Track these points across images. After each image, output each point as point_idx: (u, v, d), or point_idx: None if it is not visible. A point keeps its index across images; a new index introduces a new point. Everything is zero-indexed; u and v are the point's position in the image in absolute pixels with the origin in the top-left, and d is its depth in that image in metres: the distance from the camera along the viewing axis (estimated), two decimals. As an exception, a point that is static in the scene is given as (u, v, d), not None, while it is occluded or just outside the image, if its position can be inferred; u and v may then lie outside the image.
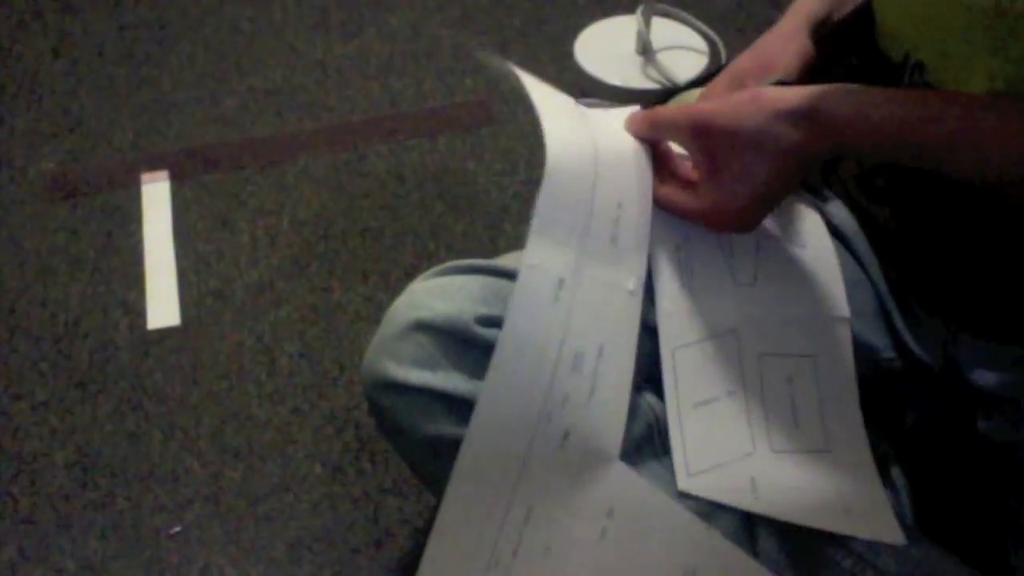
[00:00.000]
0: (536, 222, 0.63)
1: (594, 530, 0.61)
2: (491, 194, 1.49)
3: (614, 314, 0.64)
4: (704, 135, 0.63)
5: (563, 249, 0.63)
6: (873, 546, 0.66)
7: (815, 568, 0.66)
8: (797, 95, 0.61)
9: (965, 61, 0.63)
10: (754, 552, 0.66)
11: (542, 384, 0.61)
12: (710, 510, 0.64)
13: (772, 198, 0.64)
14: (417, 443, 0.70)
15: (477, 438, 0.62)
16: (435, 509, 1.16)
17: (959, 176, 0.62)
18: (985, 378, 0.70)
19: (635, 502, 0.62)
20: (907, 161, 0.62)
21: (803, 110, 0.60)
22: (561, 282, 0.63)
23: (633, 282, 0.65)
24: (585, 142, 0.66)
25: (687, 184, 0.68)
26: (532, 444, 0.62)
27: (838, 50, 0.76)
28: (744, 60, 0.74)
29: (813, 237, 0.73)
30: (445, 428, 0.66)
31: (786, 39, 0.74)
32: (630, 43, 1.67)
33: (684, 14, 1.71)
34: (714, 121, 0.63)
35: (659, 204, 0.68)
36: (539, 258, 0.62)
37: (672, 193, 0.68)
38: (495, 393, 0.62)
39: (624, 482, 0.62)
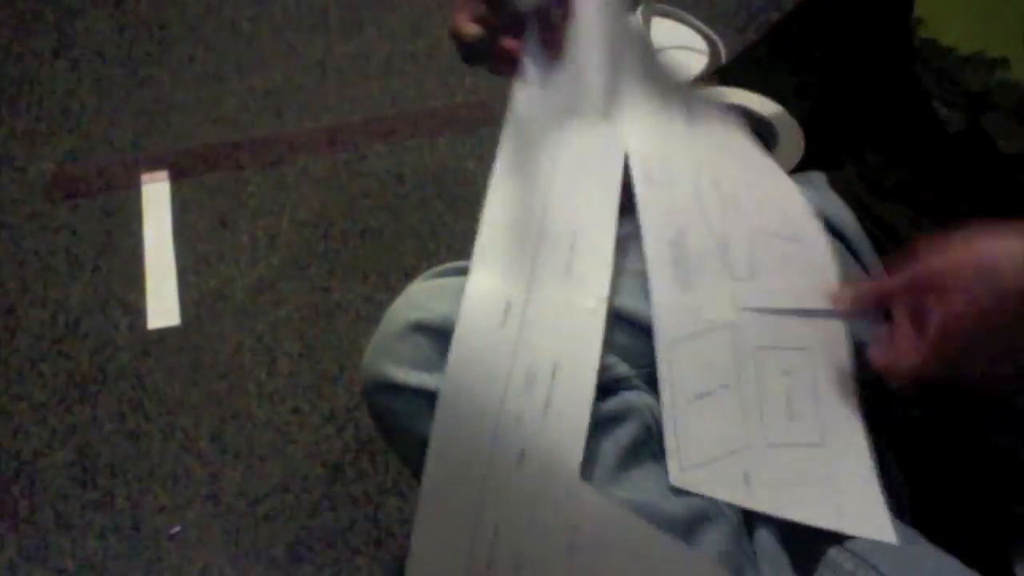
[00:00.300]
0: (477, 251, 0.64)
1: (560, 544, 0.62)
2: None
3: (571, 332, 0.64)
4: (927, 293, 0.59)
5: (510, 275, 0.64)
6: (874, 547, 0.66)
7: (816, 569, 0.66)
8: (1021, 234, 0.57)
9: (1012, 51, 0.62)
10: (754, 552, 0.66)
11: (492, 405, 0.62)
12: (706, 511, 0.64)
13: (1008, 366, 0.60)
14: (415, 444, 0.70)
15: (437, 460, 0.63)
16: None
17: None
18: None
19: (598, 519, 0.62)
20: None
21: None
22: (508, 305, 0.64)
23: (592, 300, 0.65)
24: (539, 168, 0.66)
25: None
26: (491, 464, 0.62)
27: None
28: None
29: (809, 232, 0.73)
30: (443, 429, 0.66)
31: None
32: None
33: (684, 14, 1.71)
34: (938, 282, 0.58)
35: (872, 365, 0.63)
36: (482, 286, 0.63)
37: (886, 357, 0.62)
38: (448, 416, 0.63)
39: (585, 498, 0.62)
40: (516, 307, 0.64)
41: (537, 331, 0.64)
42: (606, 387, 0.65)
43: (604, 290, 0.66)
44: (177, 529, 1.14)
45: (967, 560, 0.65)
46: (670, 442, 0.65)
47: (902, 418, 0.74)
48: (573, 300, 0.65)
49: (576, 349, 0.64)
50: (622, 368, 0.67)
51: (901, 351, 0.61)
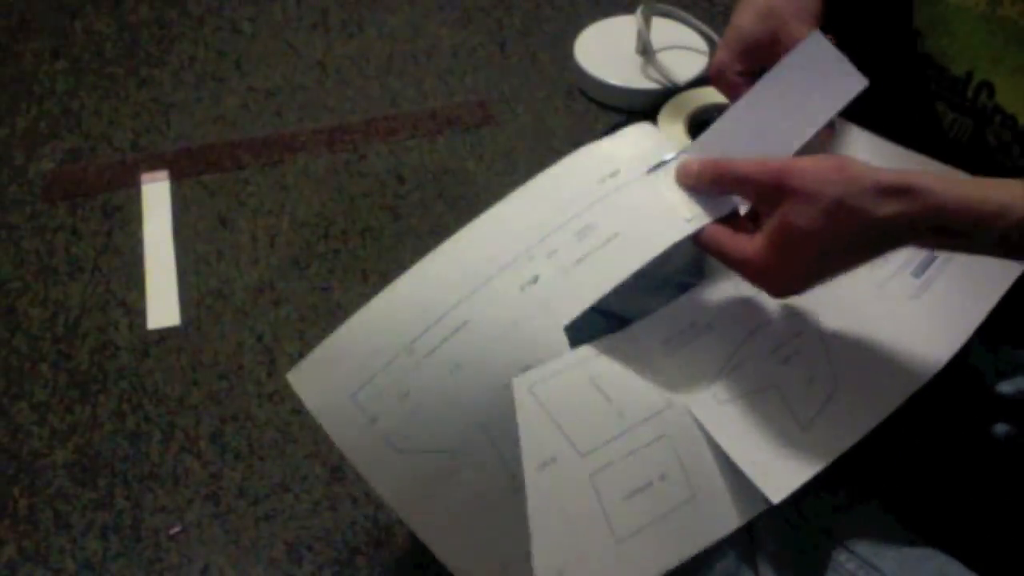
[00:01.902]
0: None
1: (507, 376, 0.62)
2: (491, 194, 1.48)
3: (654, 221, 0.65)
4: (777, 194, 0.59)
5: (635, 157, 0.67)
6: (877, 549, 0.66)
7: (817, 569, 0.66)
8: (889, 172, 0.57)
9: None
10: (754, 551, 0.66)
11: (543, 228, 0.65)
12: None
13: (831, 271, 0.60)
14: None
15: (466, 237, 0.66)
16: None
17: None
18: (1002, 383, 0.70)
19: (557, 368, 0.62)
20: (1009, 253, 0.59)
21: (901, 185, 0.56)
22: (615, 172, 0.66)
23: (689, 213, 0.65)
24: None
25: (738, 227, 0.64)
26: (501, 271, 0.64)
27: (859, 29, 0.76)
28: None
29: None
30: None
31: None
32: (630, 43, 1.67)
33: (684, 14, 1.71)
34: (792, 182, 0.59)
35: (701, 241, 0.65)
36: (610, 148, 0.67)
37: (720, 232, 0.64)
38: (504, 209, 0.67)
39: (555, 348, 0.62)
40: (622, 177, 0.66)
41: (626, 201, 0.65)
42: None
43: (700, 212, 0.65)
44: (177, 529, 1.14)
45: (970, 563, 0.65)
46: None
47: (903, 420, 0.74)
48: (674, 202, 0.65)
49: (646, 235, 0.64)
50: None
51: (737, 238, 0.62)
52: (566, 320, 0.63)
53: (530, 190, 0.67)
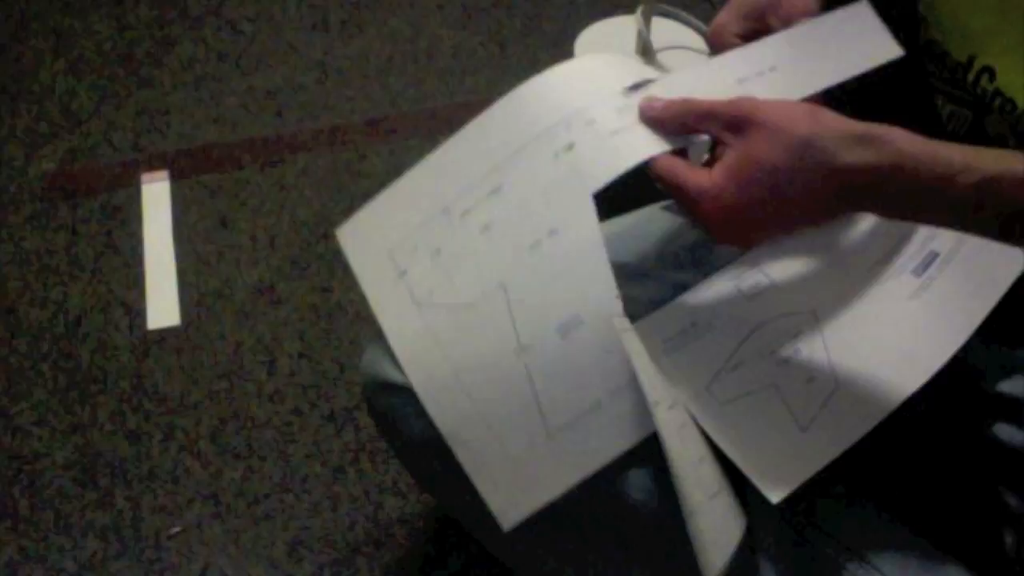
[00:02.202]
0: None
1: (538, 235, 0.63)
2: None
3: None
4: (744, 125, 0.58)
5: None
6: (876, 548, 0.66)
7: (817, 569, 0.66)
8: (860, 123, 0.57)
9: None
10: (755, 551, 0.66)
11: (584, 97, 0.65)
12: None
13: (783, 219, 0.59)
14: (414, 444, 0.70)
15: (503, 106, 0.66)
16: (435, 509, 1.16)
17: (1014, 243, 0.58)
18: (1001, 383, 0.70)
19: (582, 230, 0.63)
20: (971, 225, 0.57)
21: (869, 135, 0.56)
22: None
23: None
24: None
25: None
26: (537, 137, 0.65)
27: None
28: None
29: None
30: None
31: None
32: (630, 43, 1.67)
33: (684, 14, 1.71)
34: (760, 116, 0.58)
35: (657, 170, 0.62)
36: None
37: (677, 164, 0.62)
38: (551, 76, 0.67)
39: (582, 214, 0.63)
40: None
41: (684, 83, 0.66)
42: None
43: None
44: (177, 529, 1.14)
45: (969, 563, 0.65)
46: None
47: (903, 420, 0.74)
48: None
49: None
50: None
51: (695, 169, 0.61)
52: (594, 188, 0.62)
53: (576, 65, 0.69)
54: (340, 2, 1.87)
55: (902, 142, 0.55)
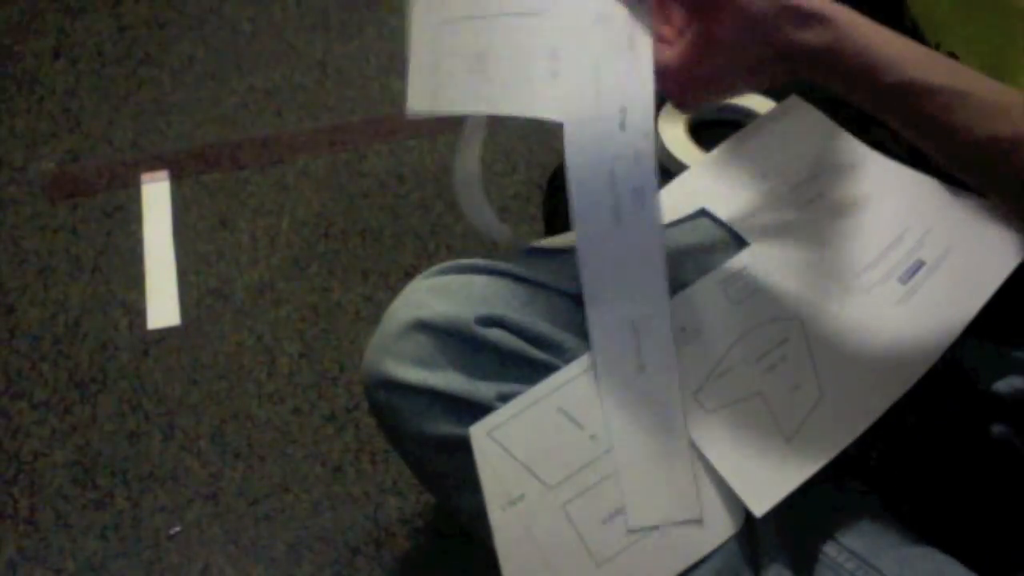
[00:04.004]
0: None
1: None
2: (491, 194, 1.49)
3: None
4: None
5: None
6: (876, 548, 0.66)
7: (817, 568, 0.66)
8: (820, 2, 0.59)
9: (1001, 60, 0.63)
10: (755, 550, 0.66)
11: None
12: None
13: (735, 86, 0.62)
14: (416, 442, 0.70)
15: None
16: (436, 508, 1.16)
17: (932, 151, 0.62)
18: (1000, 383, 0.70)
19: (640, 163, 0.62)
20: (900, 121, 0.61)
21: (822, 15, 0.58)
22: None
23: None
24: None
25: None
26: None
27: None
28: None
29: None
30: (444, 428, 0.66)
31: None
32: None
33: (684, 14, 1.71)
34: None
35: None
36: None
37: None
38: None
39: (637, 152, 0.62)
40: None
41: None
42: None
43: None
44: (177, 529, 1.14)
45: (968, 563, 0.65)
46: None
47: (902, 420, 0.74)
48: None
49: None
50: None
51: (661, 46, 0.63)
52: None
53: None
54: (340, 2, 1.87)
55: (845, 26, 0.58)
